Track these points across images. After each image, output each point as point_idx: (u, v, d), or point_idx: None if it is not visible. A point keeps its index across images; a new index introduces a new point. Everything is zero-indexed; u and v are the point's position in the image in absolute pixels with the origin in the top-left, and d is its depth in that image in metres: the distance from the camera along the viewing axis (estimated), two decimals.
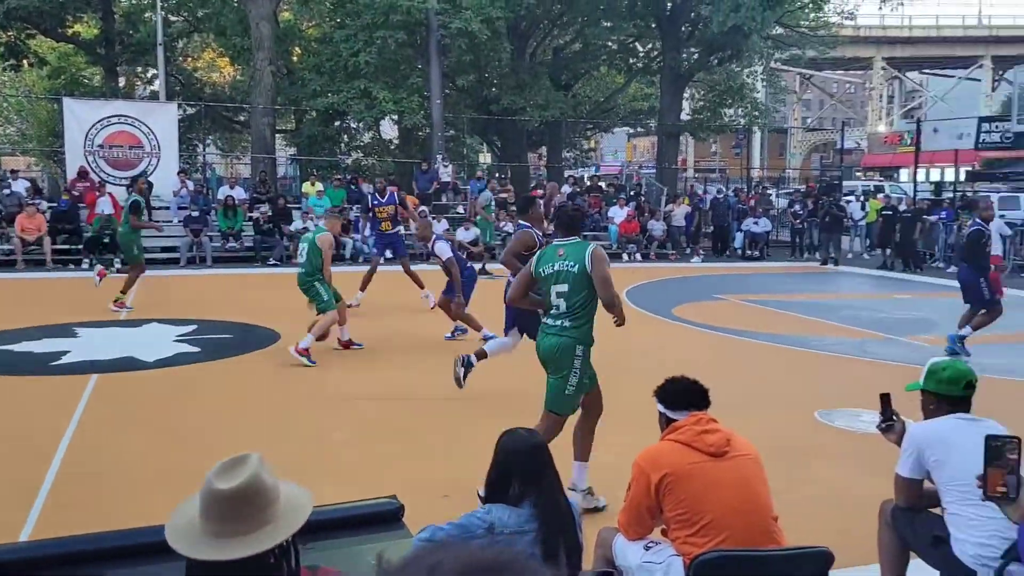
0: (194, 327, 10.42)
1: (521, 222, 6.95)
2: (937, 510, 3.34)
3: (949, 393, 3.42)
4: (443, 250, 9.49)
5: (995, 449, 2.31)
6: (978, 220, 10.03)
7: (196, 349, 9.22)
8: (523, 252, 6.21)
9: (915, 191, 22.97)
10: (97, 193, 18.17)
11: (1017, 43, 55.34)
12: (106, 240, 17.33)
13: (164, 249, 18.75)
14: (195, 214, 18.51)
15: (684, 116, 28.90)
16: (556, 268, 4.81)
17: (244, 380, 8.04)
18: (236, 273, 16.74)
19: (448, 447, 5.97)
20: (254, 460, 1.83)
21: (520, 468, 2.88)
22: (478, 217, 19.53)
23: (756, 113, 29.08)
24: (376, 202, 13.04)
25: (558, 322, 4.84)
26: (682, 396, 3.34)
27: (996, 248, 14.47)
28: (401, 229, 13.27)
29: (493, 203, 19.95)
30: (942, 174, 34.77)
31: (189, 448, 5.80)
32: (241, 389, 7.68)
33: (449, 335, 10.01)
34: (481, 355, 6.80)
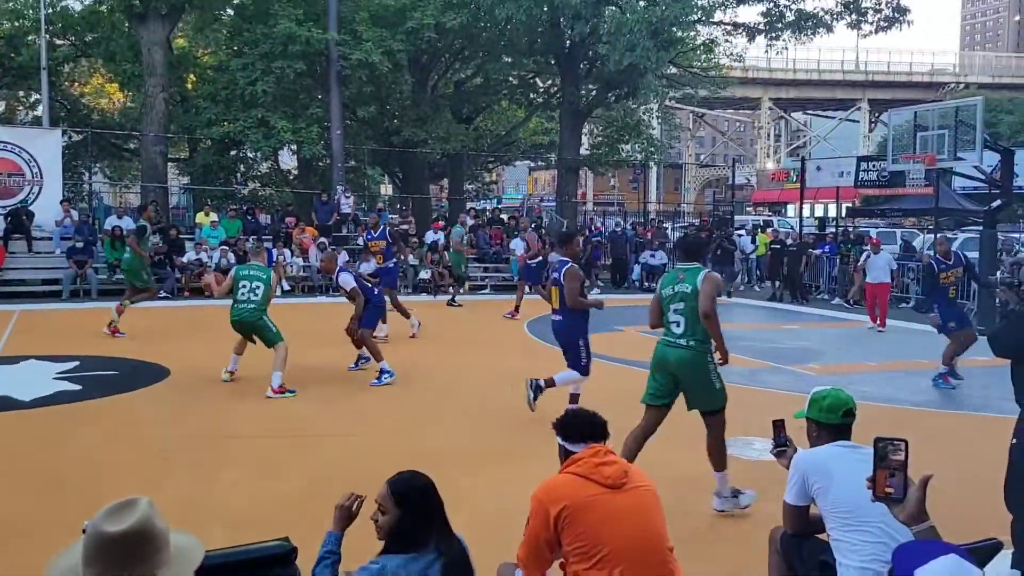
0: (76, 363, 9.93)
1: (562, 257, 7.68)
2: (824, 536, 3.44)
3: (829, 421, 3.55)
4: (347, 281, 9.57)
5: (881, 450, 2.41)
6: (933, 255, 10.53)
7: (77, 387, 8.77)
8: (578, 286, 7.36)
9: (801, 226, 23.99)
10: None
11: (891, 87, 58.91)
12: None
13: (45, 282, 17.89)
14: (80, 245, 17.71)
15: (583, 151, 29.48)
16: (675, 290, 5.53)
17: (128, 419, 7.69)
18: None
19: (344, 485, 5.83)
20: (144, 504, 1.75)
21: (415, 511, 2.82)
22: (450, 250, 19.67)
23: (652, 149, 29.92)
24: (369, 236, 13.38)
25: (682, 340, 5.47)
26: (580, 428, 3.34)
27: (885, 276, 15.35)
28: (393, 263, 13.42)
29: (465, 239, 20.33)
30: (826, 210, 36.52)
31: (67, 494, 5.49)
32: (125, 428, 7.34)
33: (353, 366, 9.92)
34: (549, 383, 7.42)
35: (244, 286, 8.91)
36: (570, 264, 7.42)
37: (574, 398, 7.40)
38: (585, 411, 3.43)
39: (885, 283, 15.41)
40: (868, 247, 16.38)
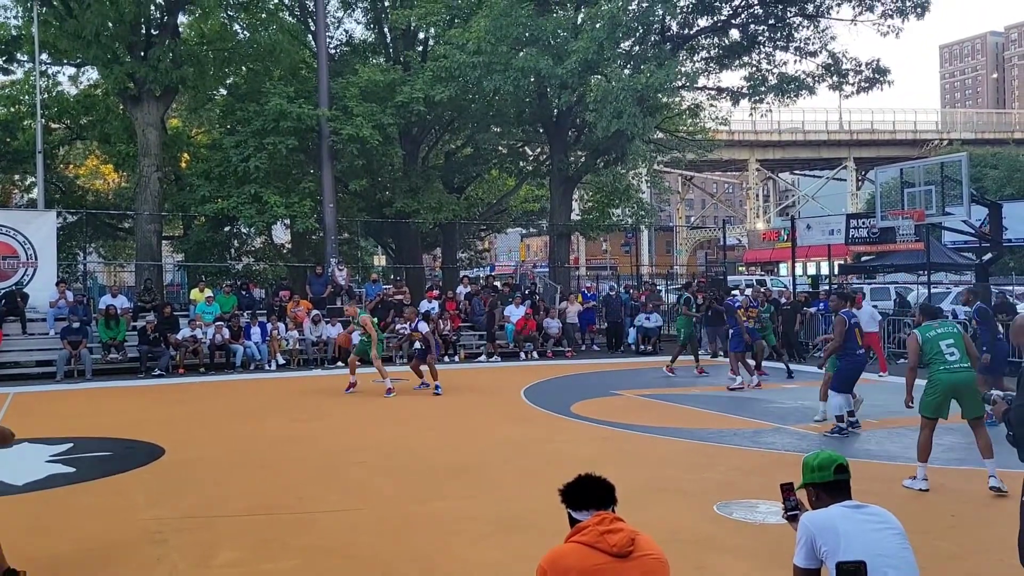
0: (70, 445, 9.80)
1: (845, 309, 10.36)
2: None
3: (824, 480, 3.53)
4: (423, 328, 14.60)
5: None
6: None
7: (71, 469, 8.64)
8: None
9: (794, 284, 24.08)
10: None
11: (875, 145, 59.93)
12: None
13: (39, 363, 17.79)
14: (75, 325, 17.66)
15: (574, 216, 29.74)
16: (940, 331, 7.80)
17: (123, 501, 7.54)
18: (118, 386, 15.96)
19: (344, 562, 5.71)
20: None
21: None
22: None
23: (642, 213, 30.19)
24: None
25: (963, 364, 7.63)
26: (585, 495, 3.27)
27: (872, 327, 15.62)
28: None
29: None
30: (818, 267, 36.74)
31: None
32: (119, 511, 7.19)
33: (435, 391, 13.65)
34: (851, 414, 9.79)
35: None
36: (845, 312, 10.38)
37: None
38: (592, 477, 3.34)
39: (874, 332, 15.78)
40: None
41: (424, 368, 14.64)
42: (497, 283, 26.80)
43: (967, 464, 8.54)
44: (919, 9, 22.83)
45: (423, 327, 14.75)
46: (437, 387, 14.12)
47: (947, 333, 7.72)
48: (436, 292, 23.42)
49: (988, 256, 16.89)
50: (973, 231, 18.08)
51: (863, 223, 24.16)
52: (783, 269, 43.52)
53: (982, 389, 10.85)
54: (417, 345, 14.81)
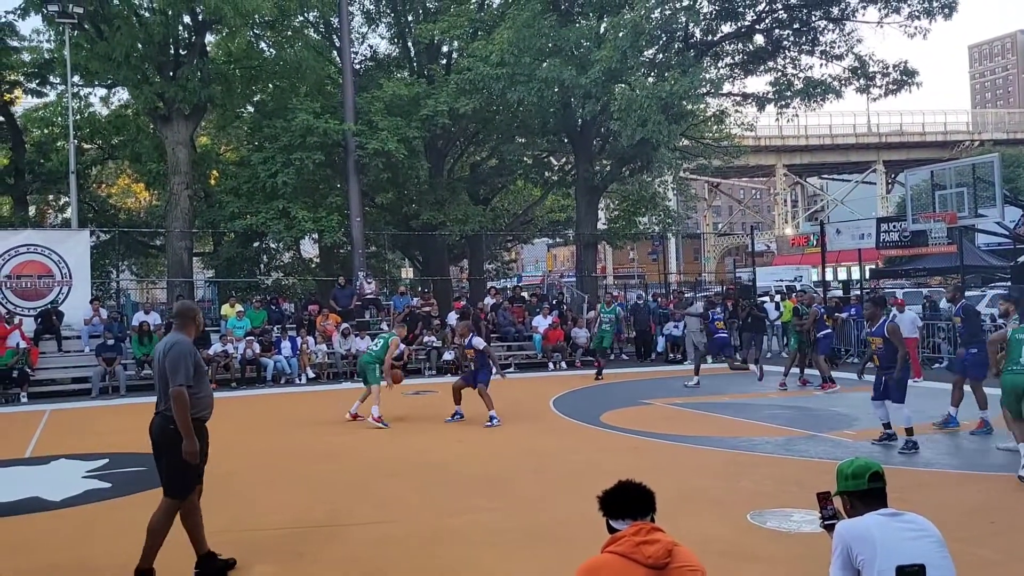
0: (105, 461, 9.92)
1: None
2: None
3: (858, 488, 3.48)
4: (479, 343, 12.39)
5: None
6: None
7: (107, 485, 8.75)
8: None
9: (824, 290, 23.82)
10: (7, 325, 17.49)
11: (905, 148, 59.21)
12: (14, 374, 16.64)
13: (75, 380, 18.06)
14: (110, 342, 17.92)
15: (600, 225, 29.70)
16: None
17: None
18: (152, 402, 16.05)
19: None
20: None
21: None
22: (604, 326, 19.12)
23: (669, 220, 30.09)
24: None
25: None
26: (621, 504, 3.22)
27: (911, 333, 15.57)
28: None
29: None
30: (848, 272, 36.35)
31: None
32: None
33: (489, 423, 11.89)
34: (910, 432, 9.47)
35: (376, 342, 13.03)
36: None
37: None
38: (630, 484, 3.28)
39: (913, 337, 15.57)
40: (893, 307, 16.33)
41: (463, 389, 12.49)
42: (524, 293, 26.80)
43: (1007, 471, 8.39)
44: (946, 10, 22.61)
45: (477, 343, 12.30)
46: (492, 417, 11.86)
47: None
48: (463, 303, 23.47)
49: (1023, 258, 16.62)
50: (1007, 232, 17.80)
51: (894, 227, 23.88)
52: (813, 274, 43.10)
53: (957, 392, 10.71)
54: (467, 364, 12.77)
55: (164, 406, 5.55)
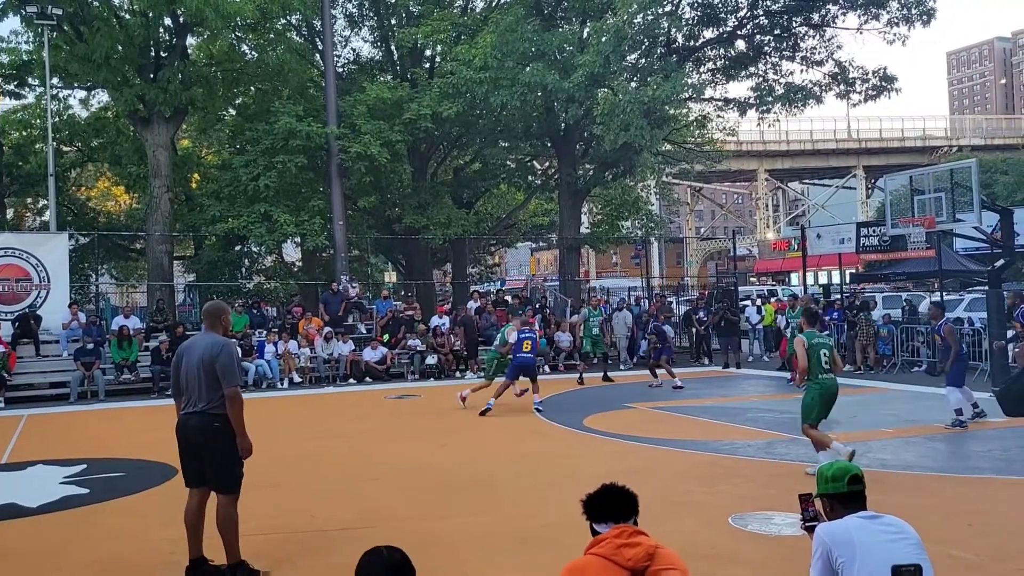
0: (83, 467, 9.82)
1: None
2: None
3: (837, 491, 3.50)
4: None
5: None
6: None
7: (85, 490, 8.65)
8: None
9: (805, 294, 23.94)
10: None
11: (884, 153, 59.71)
12: None
13: (53, 385, 17.86)
14: (88, 346, 17.74)
15: (584, 229, 29.74)
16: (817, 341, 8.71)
17: (137, 522, 7.55)
18: (131, 407, 15.98)
19: None
20: None
21: None
22: (593, 330, 19.23)
23: (652, 225, 30.18)
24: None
25: (831, 374, 8.68)
26: (603, 507, 3.21)
27: None
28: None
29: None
30: (829, 276, 36.57)
31: None
32: (133, 532, 7.20)
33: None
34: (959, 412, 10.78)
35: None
36: None
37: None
38: (614, 487, 3.27)
39: None
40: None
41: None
42: (508, 297, 26.79)
43: (985, 473, 8.46)
44: (925, 17, 22.81)
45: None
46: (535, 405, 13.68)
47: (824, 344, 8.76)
48: (447, 307, 23.42)
49: (1000, 262, 16.77)
50: (984, 237, 17.97)
51: (874, 231, 24.07)
52: (795, 279, 43.35)
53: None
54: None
55: (204, 405, 5.62)
